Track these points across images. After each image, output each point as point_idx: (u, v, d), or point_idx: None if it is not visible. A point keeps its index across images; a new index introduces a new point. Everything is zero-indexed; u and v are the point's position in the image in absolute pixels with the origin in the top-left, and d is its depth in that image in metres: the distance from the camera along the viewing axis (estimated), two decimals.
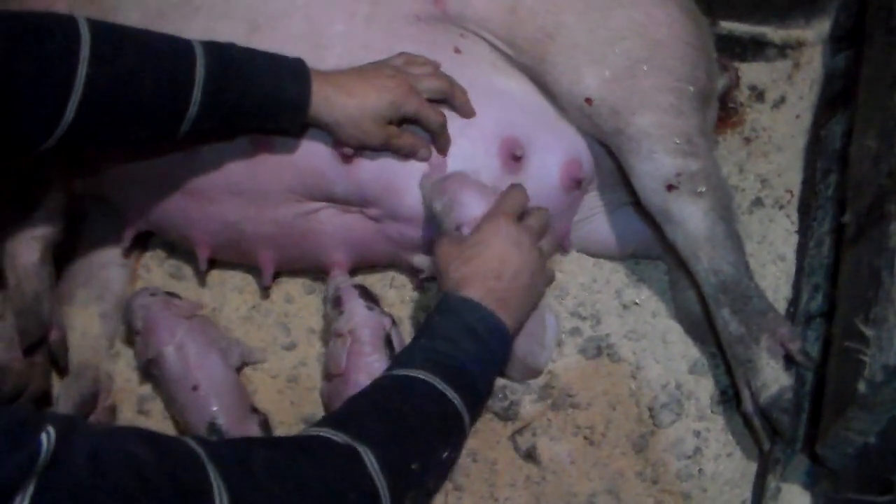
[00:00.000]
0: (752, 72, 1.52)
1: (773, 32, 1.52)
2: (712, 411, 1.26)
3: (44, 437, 0.75)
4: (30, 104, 0.99)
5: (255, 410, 1.30)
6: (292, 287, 1.41)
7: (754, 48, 1.53)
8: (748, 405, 1.17)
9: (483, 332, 1.08)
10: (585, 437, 1.26)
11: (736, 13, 1.51)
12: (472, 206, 1.18)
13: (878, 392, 0.90)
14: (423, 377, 1.02)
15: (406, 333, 1.33)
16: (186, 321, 1.30)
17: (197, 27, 1.24)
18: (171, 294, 1.35)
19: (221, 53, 1.11)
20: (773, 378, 1.14)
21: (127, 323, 1.35)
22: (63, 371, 1.34)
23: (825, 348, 1.14)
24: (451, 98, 1.23)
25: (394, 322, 1.29)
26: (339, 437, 0.95)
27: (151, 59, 1.06)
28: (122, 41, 1.05)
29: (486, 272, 1.11)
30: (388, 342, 1.26)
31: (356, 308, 1.27)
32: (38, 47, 0.99)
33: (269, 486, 0.87)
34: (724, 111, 1.47)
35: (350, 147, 1.20)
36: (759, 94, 1.50)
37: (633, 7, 1.28)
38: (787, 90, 1.50)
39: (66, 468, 0.76)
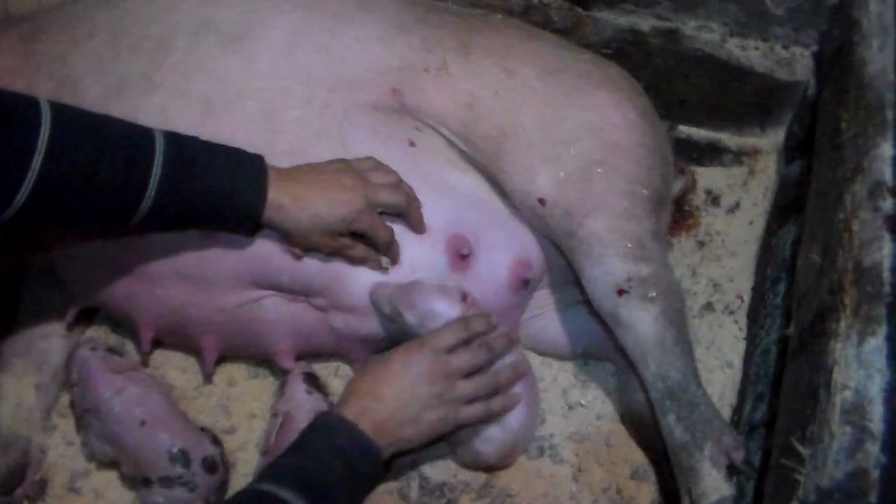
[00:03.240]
0: (708, 176, 1.53)
1: (729, 139, 1.55)
2: None
3: None
4: None
5: (202, 429, 1.30)
6: (235, 370, 1.39)
7: (711, 153, 1.55)
8: None
9: (352, 453, 1.08)
10: None
11: (693, 118, 1.54)
12: (448, 313, 1.20)
13: None
14: (285, 496, 1.01)
15: None
16: (122, 374, 1.31)
17: (155, 105, 1.24)
18: (112, 350, 1.35)
19: (181, 151, 1.09)
20: (713, 487, 1.12)
21: (66, 372, 1.35)
22: None
23: (765, 460, 1.13)
24: (407, 213, 1.22)
25: None
26: None
27: (110, 152, 1.04)
28: (82, 132, 1.04)
29: (369, 392, 1.12)
30: None
31: (296, 391, 1.29)
32: None
33: None
34: (679, 214, 1.48)
35: (301, 251, 1.20)
36: (714, 199, 1.52)
37: (589, 109, 1.28)
38: (742, 196, 1.51)
39: None
